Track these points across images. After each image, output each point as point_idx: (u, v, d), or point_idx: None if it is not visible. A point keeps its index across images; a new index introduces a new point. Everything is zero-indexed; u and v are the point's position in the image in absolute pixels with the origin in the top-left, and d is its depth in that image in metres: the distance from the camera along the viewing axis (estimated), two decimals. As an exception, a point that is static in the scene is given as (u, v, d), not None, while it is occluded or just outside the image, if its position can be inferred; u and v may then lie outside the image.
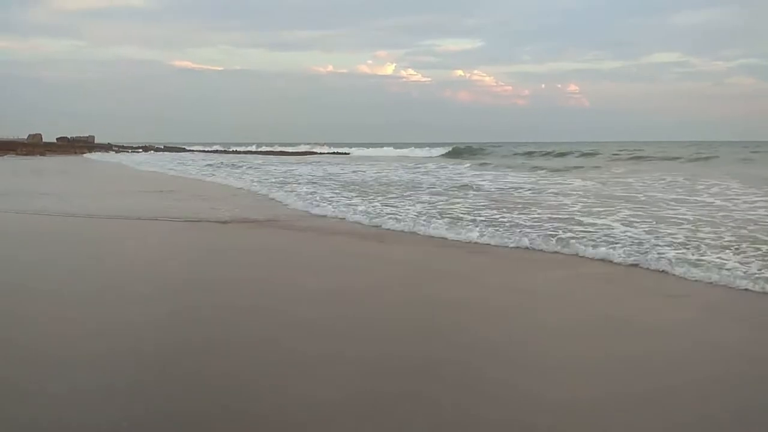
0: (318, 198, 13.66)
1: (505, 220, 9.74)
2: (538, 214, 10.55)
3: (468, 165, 30.62)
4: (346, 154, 61.79)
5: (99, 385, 3.42)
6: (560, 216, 10.27)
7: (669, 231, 8.49)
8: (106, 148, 68.16)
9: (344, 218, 10.61)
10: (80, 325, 4.57)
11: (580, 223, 9.37)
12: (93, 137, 77.27)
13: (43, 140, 69.58)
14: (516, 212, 10.72)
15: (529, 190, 16.10)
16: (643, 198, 13.51)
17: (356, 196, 14.04)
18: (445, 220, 9.82)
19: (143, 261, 7.07)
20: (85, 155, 49.28)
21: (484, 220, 9.65)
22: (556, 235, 8.12)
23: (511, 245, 7.73)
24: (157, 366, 3.74)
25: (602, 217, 10.20)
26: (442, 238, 8.36)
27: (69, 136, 75.01)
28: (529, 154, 44.70)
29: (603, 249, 7.13)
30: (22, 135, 70.72)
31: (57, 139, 72.79)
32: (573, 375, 3.72)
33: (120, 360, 3.82)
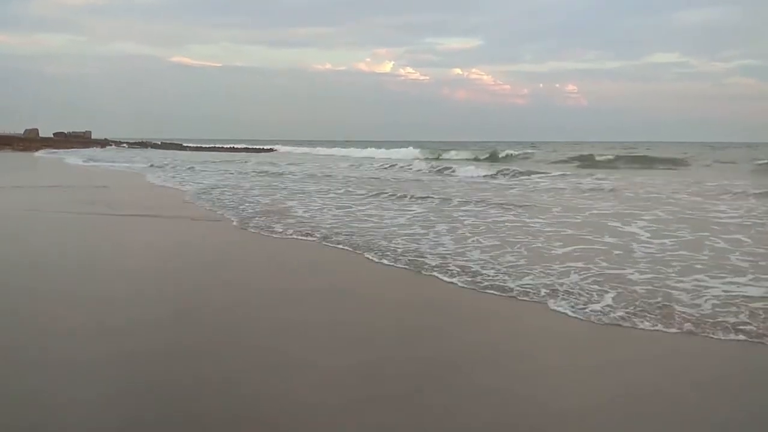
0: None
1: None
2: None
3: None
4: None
5: (92, 389, 3.42)
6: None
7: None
8: (102, 144, 68.37)
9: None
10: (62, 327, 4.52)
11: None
12: (90, 132, 77.54)
13: (40, 135, 69.86)
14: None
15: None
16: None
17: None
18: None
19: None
20: (36, 154, 45.38)
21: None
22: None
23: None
24: (146, 370, 3.73)
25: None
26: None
27: (66, 132, 75.26)
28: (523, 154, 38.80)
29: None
30: (21, 130, 71.04)
31: (54, 134, 72.97)
32: (566, 381, 3.69)
33: (106, 364, 3.80)
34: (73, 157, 35.86)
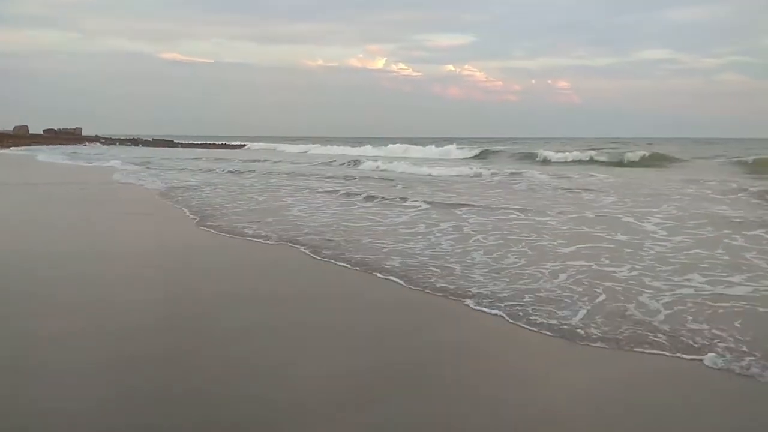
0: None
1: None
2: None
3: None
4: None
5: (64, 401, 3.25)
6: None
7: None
8: (93, 140, 67.91)
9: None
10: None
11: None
12: (80, 129, 77.14)
13: (30, 132, 69.40)
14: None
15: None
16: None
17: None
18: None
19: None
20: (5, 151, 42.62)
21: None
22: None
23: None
24: (117, 379, 3.54)
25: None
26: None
27: (56, 128, 74.83)
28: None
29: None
30: (11, 127, 70.45)
31: (44, 130, 72.60)
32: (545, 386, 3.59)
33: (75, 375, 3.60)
34: (44, 155, 35.21)
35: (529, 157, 31.22)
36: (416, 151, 39.17)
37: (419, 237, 8.04)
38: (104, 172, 21.29)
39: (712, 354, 3.88)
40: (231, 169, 23.16)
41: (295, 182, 17.05)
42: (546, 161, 28.77)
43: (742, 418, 3.24)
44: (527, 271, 6.07)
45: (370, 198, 12.51)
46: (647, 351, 4.03)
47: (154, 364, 3.76)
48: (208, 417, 3.10)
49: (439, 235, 8.19)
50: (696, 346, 4.06)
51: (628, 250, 7.05)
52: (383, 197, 12.57)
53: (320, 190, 14.40)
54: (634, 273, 5.95)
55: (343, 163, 28.54)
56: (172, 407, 3.22)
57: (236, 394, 3.33)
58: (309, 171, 22.90)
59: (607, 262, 6.46)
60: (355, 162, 28.18)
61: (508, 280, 5.75)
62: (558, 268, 6.17)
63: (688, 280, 5.71)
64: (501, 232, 8.34)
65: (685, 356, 3.93)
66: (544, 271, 6.08)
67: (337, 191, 13.97)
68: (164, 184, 16.11)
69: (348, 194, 13.35)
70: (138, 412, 3.14)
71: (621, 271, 6.03)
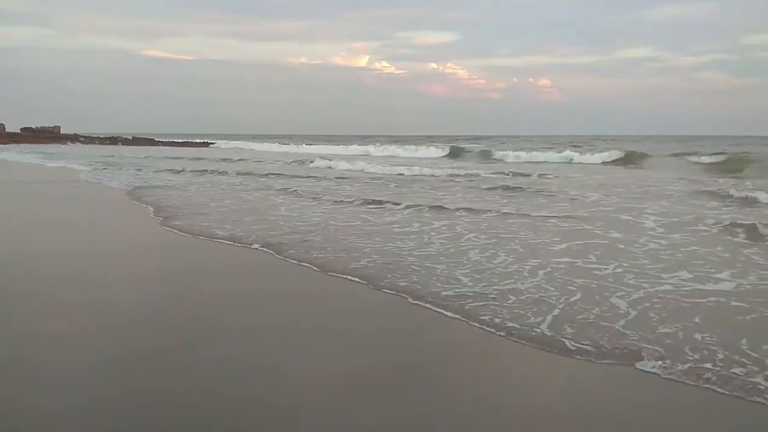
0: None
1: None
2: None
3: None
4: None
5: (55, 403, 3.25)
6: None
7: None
8: (72, 139, 66.98)
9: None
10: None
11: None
12: (59, 127, 75.84)
13: (7, 131, 68.22)
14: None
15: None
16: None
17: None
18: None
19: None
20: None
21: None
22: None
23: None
24: (106, 381, 3.54)
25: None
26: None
27: (34, 127, 73.63)
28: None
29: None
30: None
31: (21, 129, 71.38)
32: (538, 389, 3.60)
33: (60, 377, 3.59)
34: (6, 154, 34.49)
35: (498, 156, 31.16)
36: (385, 150, 38.65)
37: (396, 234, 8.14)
38: (64, 174, 20.71)
39: (644, 360, 3.84)
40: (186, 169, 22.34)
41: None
42: (515, 161, 28.46)
43: (666, 423, 3.21)
44: (510, 269, 6.15)
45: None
46: (614, 362, 3.90)
47: (154, 365, 3.79)
48: (208, 417, 3.13)
49: (435, 235, 8.29)
50: (649, 349, 3.99)
51: (621, 246, 7.18)
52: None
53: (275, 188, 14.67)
54: (619, 270, 6.04)
55: (304, 162, 27.47)
56: (172, 407, 3.24)
57: (236, 394, 3.37)
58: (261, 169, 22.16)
59: (594, 258, 6.59)
60: (309, 161, 27.59)
61: (494, 279, 5.77)
62: (538, 266, 6.26)
63: (673, 276, 5.79)
64: (492, 233, 8.45)
65: (635, 363, 3.83)
66: (525, 268, 6.16)
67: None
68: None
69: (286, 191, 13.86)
70: (138, 412, 3.17)
71: (606, 269, 6.14)
